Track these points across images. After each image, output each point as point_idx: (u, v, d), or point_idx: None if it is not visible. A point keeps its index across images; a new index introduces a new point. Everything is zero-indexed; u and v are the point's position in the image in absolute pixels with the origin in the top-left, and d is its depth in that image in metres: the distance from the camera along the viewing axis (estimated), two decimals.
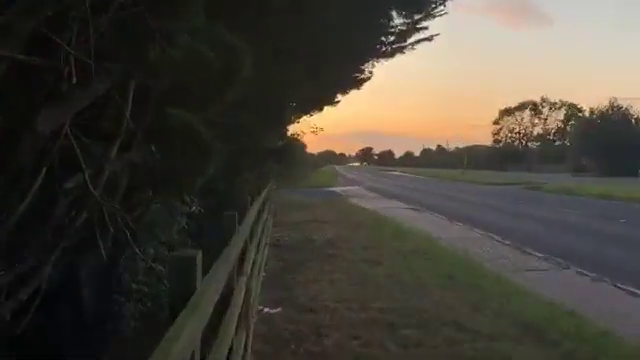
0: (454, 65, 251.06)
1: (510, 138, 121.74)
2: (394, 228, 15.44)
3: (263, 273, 8.79)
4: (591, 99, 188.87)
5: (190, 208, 7.28)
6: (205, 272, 2.61)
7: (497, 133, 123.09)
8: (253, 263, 5.75)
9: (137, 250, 5.00)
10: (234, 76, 4.02)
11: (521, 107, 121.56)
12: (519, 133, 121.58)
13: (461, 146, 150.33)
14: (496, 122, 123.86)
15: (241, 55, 4.05)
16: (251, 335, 5.61)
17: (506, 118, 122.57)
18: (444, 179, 57.77)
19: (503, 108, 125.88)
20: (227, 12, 4.77)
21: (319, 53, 7.70)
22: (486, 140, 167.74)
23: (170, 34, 3.28)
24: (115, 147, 3.67)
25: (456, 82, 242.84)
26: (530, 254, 12.09)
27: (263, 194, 9.93)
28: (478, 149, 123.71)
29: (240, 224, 4.45)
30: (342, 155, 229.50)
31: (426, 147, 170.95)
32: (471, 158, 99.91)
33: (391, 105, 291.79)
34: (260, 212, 8.24)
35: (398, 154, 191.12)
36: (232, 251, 3.60)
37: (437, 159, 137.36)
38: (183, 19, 3.27)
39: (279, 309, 7.48)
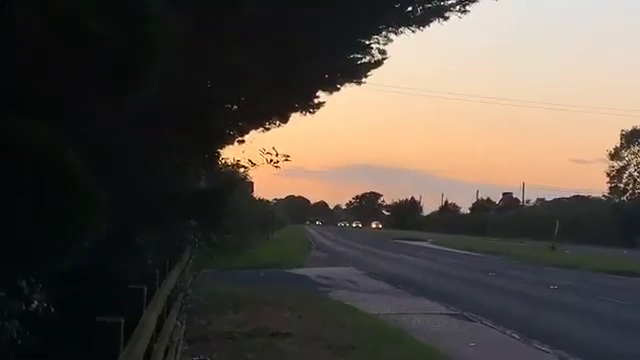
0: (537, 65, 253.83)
1: None
2: None
3: None
4: None
5: (28, 304, 6.83)
6: None
7: (616, 176, 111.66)
8: None
9: None
10: (143, 66, 4.01)
11: None
12: None
13: (549, 197, 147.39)
14: (615, 155, 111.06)
15: (155, 27, 3.87)
16: None
17: (635, 149, 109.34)
18: (517, 258, 55.34)
19: (629, 130, 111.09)
20: None
21: (287, 17, 7.78)
22: (596, 188, 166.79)
23: None
24: None
25: (540, 91, 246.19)
26: None
27: (172, 279, 10.08)
28: (581, 205, 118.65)
29: (126, 342, 4.71)
30: (324, 207, 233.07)
31: (482, 197, 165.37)
32: (567, 220, 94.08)
33: (416, 127, 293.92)
34: (163, 315, 8.39)
35: (429, 207, 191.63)
36: None
37: (502, 221, 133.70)
38: None
39: None
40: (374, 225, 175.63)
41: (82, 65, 3.93)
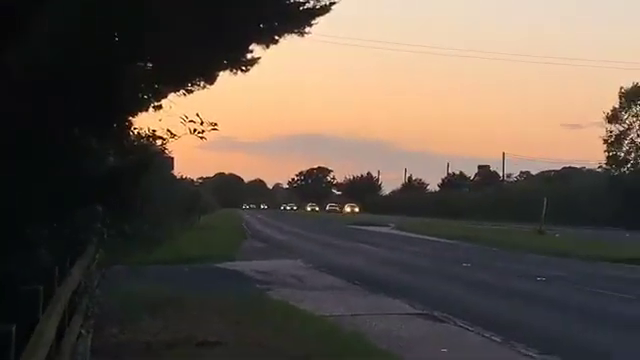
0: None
1: None
2: None
3: None
4: None
5: None
6: None
7: (614, 143, 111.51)
8: None
9: None
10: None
11: None
12: None
13: (535, 170, 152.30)
14: (613, 118, 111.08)
15: None
16: None
17: (638, 110, 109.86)
18: (497, 245, 56.04)
19: (630, 86, 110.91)
20: None
21: None
22: (591, 158, 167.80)
23: None
24: None
25: (523, 42, 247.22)
26: None
27: (75, 278, 10.09)
28: (573, 178, 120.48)
29: (19, 356, 4.94)
30: (260, 187, 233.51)
31: (453, 172, 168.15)
32: (557, 198, 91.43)
33: (373, 88, 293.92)
34: (65, 321, 8.59)
35: (390, 184, 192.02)
36: None
37: (478, 200, 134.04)
38: None
39: None
40: (348, 209, 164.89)
41: None
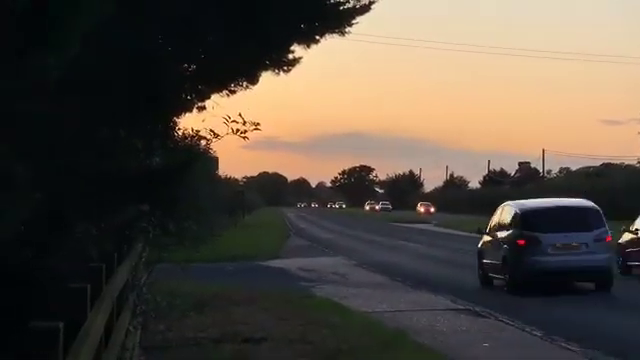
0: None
1: None
2: None
3: None
4: None
5: None
6: None
7: None
8: None
9: None
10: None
11: None
12: None
13: (574, 166, 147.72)
14: None
15: None
16: None
17: None
18: None
19: None
20: None
21: None
22: (630, 153, 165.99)
23: None
24: None
25: (561, 40, 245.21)
26: None
27: (122, 276, 10.30)
28: (613, 174, 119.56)
29: (67, 352, 4.86)
30: (304, 185, 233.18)
31: (494, 169, 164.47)
32: (596, 193, 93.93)
33: (413, 87, 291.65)
34: (113, 318, 8.64)
35: (431, 182, 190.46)
36: None
37: (518, 196, 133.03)
38: None
39: None
40: (422, 209, 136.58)
41: None
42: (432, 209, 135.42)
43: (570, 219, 26.52)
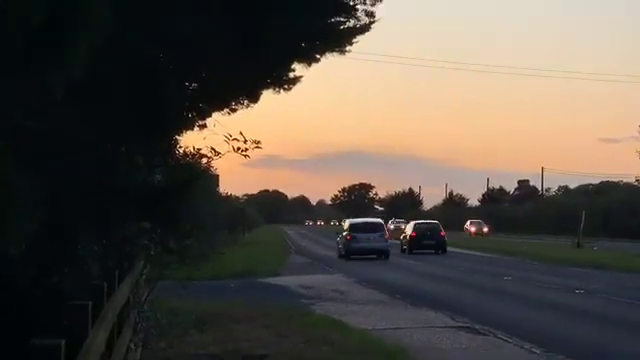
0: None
1: None
2: None
3: None
4: None
5: None
6: None
7: None
8: None
9: None
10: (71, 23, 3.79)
11: None
12: None
13: (573, 184, 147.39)
14: None
15: None
16: None
17: None
18: (536, 259, 55.95)
19: None
20: None
21: None
22: (629, 172, 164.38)
23: None
24: None
25: (561, 59, 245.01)
26: None
27: (123, 293, 10.21)
28: (611, 192, 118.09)
29: None
30: (303, 203, 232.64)
31: (493, 187, 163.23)
32: (595, 211, 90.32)
33: (412, 105, 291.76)
34: (114, 335, 8.66)
35: (431, 200, 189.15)
36: None
37: (517, 214, 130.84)
38: None
39: None
40: (473, 229, 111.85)
41: None
42: (485, 229, 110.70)
43: (369, 226, 57.80)
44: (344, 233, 57.22)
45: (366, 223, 59.19)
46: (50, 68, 3.56)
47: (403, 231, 67.97)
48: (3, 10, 3.49)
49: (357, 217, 71.74)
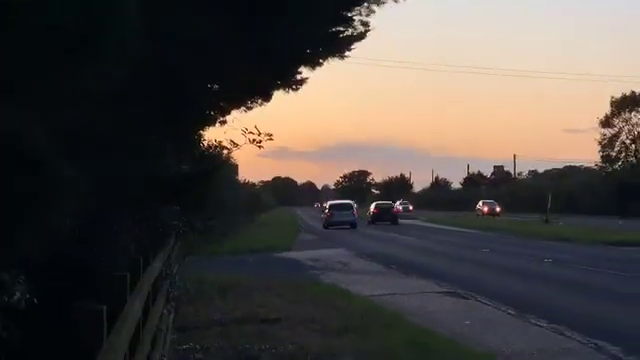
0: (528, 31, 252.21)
1: (632, 153, 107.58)
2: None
3: None
4: None
5: (9, 297, 6.26)
6: None
7: (607, 144, 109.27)
8: None
9: None
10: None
11: None
12: None
13: (541, 169, 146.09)
14: (606, 123, 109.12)
15: None
16: None
17: (626, 116, 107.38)
18: (510, 234, 55.92)
19: (620, 96, 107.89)
20: None
21: None
22: (589, 158, 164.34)
23: None
24: None
25: (532, 59, 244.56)
26: None
27: (157, 266, 10.03)
28: (573, 175, 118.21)
29: (110, 331, 4.78)
30: (311, 188, 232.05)
31: (473, 172, 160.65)
32: (560, 192, 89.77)
33: (404, 102, 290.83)
34: (149, 303, 8.49)
35: (420, 184, 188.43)
36: None
37: (494, 195, 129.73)
38: None
39: None
40: (486, 208, 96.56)
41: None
42: (498, 208, 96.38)
43: (343, 206, 68.18)
44: (326, 211, 68.99)
45: (341, 204, 70.59)
46: (88, 69, 3.47)
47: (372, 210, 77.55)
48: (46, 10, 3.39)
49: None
